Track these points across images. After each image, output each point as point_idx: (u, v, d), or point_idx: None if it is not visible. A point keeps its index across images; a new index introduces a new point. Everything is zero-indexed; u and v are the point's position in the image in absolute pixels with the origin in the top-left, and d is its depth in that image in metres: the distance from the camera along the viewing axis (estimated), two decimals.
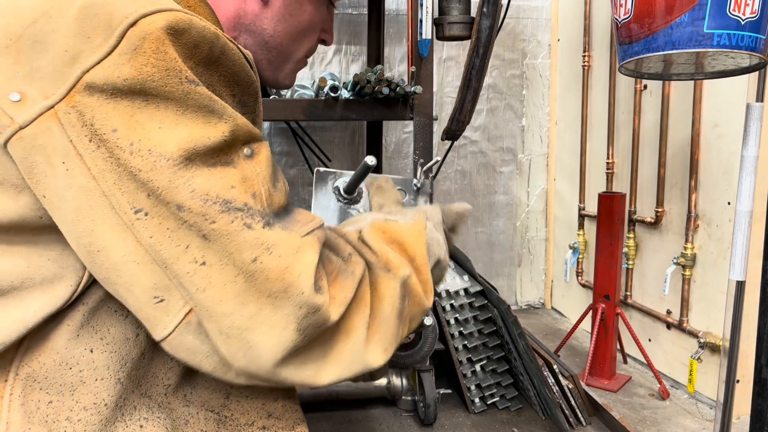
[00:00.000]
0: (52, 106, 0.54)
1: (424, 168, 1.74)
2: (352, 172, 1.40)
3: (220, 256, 0.56)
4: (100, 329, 0.63)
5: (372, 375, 0.82)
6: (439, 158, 1.73)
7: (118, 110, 0.54)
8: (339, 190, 1.34)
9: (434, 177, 1.95)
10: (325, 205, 1.31)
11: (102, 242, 0.56)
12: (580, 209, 2.87)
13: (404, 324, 0.70)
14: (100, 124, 0.54)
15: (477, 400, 2.11)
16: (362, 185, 1.32)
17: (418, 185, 1.60)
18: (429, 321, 1.10)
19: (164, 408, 0.68)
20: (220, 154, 0.58)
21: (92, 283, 0.61)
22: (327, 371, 0.62)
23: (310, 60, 2.89)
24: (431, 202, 1.57)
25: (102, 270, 0.57)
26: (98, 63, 0.54)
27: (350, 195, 1.34)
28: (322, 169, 1.42)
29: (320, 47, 3.04)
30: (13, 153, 0.56)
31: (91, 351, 0.62)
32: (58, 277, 0.60)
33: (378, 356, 0.65)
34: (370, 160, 1.22)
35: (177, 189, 0.55)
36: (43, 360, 0.61)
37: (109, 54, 0.54)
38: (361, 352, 0.64)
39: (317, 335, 0.61)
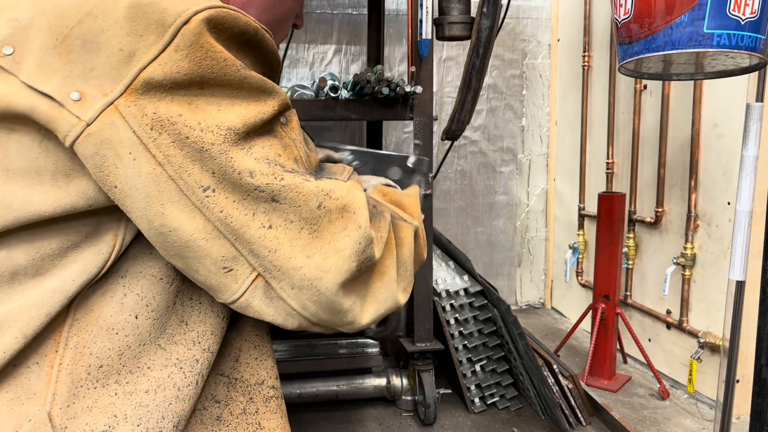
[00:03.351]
0: (112, 102, 0.58)
1: (418, 153, 1.76)
2: (351, 147, 1.58)
3: (285, 215, 0.63)
4: (145, 296, 0.67)
5: (385, 321, 0.94)
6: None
7: (177, 99, 0.59)
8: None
9: (434, 177, 1.95)
10: None
11: (173, 223, 0.60)
12: (580, 209, 2.87)
13: (414, 268, 0.78)
14: (163, 112, 0.58)
15: (477, 400, 2.11)
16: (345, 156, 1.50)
17: (411, 165, 1.70)
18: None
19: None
20: (267, 125, 0.65)
21: (129, 254, 0.65)
22: (367, 309, 0.69)
23: (310, 60, 2.91)
24: (427, 186, 1.66)
25: (173, 248, 0.62)
26: (154, 59, 0.58)
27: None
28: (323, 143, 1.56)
29: (320, 48, 3.04)
30: (83, 150, 0.58)
31: (136, 317, 0.66)
32: (93, 247, 0.63)
33: (403, 295, 0.74)
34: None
35: (248, 156, 0.61)
36: (91, 328, 0.64)
37: (163, 51, 0.58)
38: (394, 290, 0.72)
39: (363, 272, 0.68)
